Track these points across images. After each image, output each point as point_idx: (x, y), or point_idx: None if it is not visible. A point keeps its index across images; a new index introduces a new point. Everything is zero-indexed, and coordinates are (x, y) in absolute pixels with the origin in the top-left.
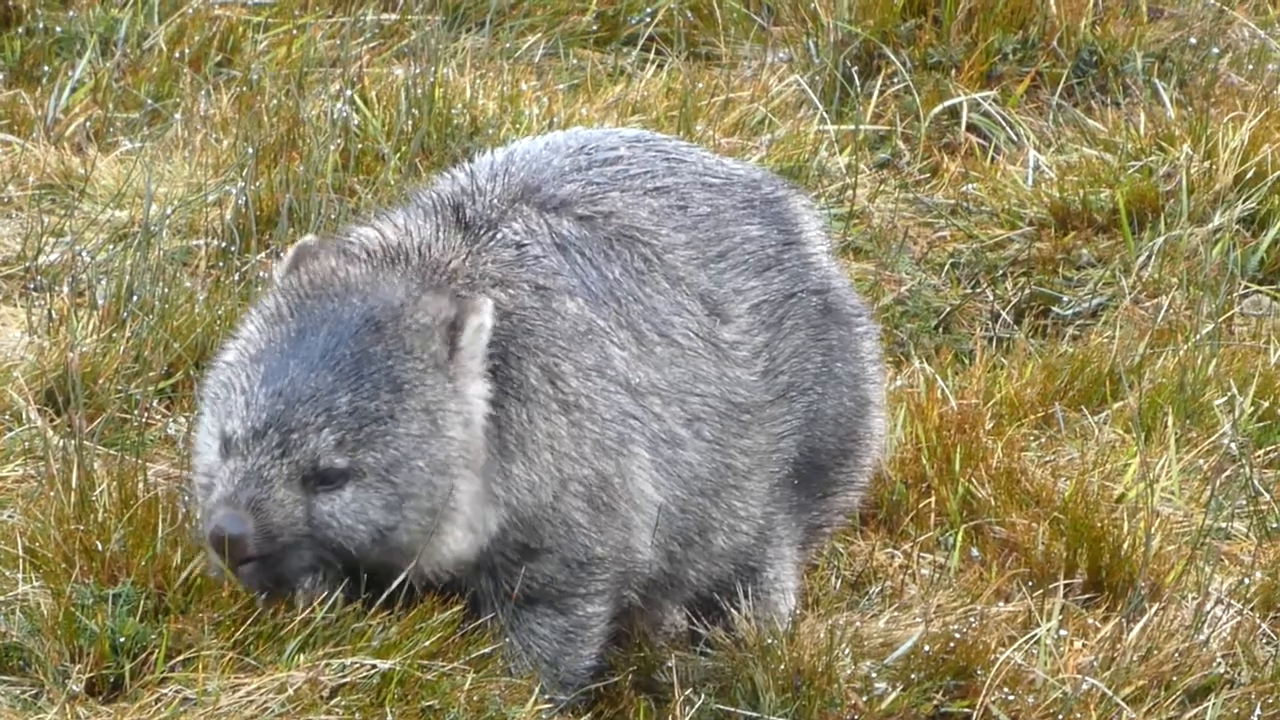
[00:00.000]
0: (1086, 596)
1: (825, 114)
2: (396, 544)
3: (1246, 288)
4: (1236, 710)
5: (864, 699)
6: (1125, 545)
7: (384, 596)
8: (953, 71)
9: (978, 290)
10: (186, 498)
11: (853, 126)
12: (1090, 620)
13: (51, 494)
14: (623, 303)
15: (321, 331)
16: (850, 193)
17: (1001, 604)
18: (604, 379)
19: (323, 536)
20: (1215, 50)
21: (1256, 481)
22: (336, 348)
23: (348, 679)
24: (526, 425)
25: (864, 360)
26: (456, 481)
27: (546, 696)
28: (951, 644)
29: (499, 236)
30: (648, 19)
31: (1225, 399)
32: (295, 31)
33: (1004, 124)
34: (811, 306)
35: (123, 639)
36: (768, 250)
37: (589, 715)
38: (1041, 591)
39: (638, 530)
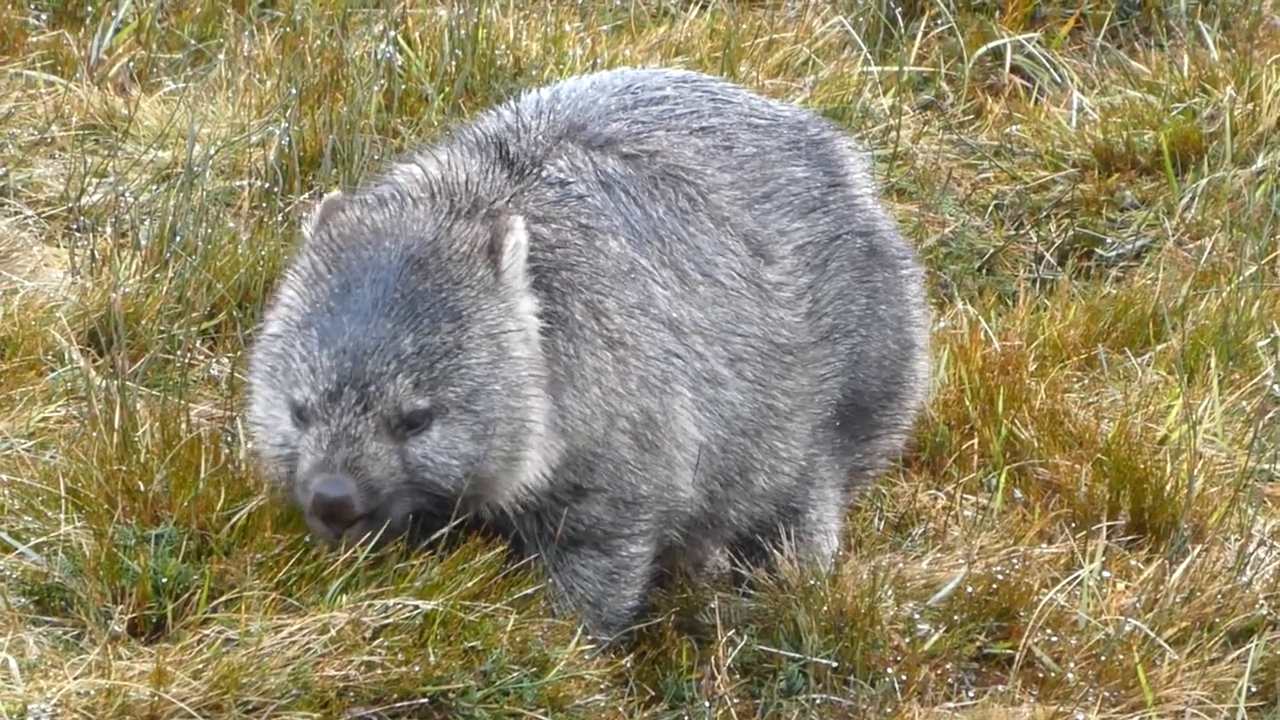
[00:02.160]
0: (1129, 538)
1: (869, 55)
2: (485, 474)
3: None
4: (1279, 652)
5: (907, 640)
6: (1168, 487)
7: (429, 540)
8: (996, 13)
9: (1021, 232)
10: (229, 438)
11: (896, 68)
12: (1133, 562)
13: (94, 435)
14: (666, 242)
15: (365, 281)
16: (894, 134)
17: (1044, 545)
18: (647, 317)
19: (420, 480)
20: None
21: None
22: (385, 294)
23: (390, 620)
24: (575, 359)
25: (908, 303)
26: (529, 401)
27: (589, 637)
28: (994, 586)
29: (543, 174)
30: None
31: (1268, 340)
32: None
33: (1048, 66)
34: (856, 249)
35: (165, 580)
36: (813, 192)
37: (631, 655)
38: (1084, 533)
39: (680, 469)
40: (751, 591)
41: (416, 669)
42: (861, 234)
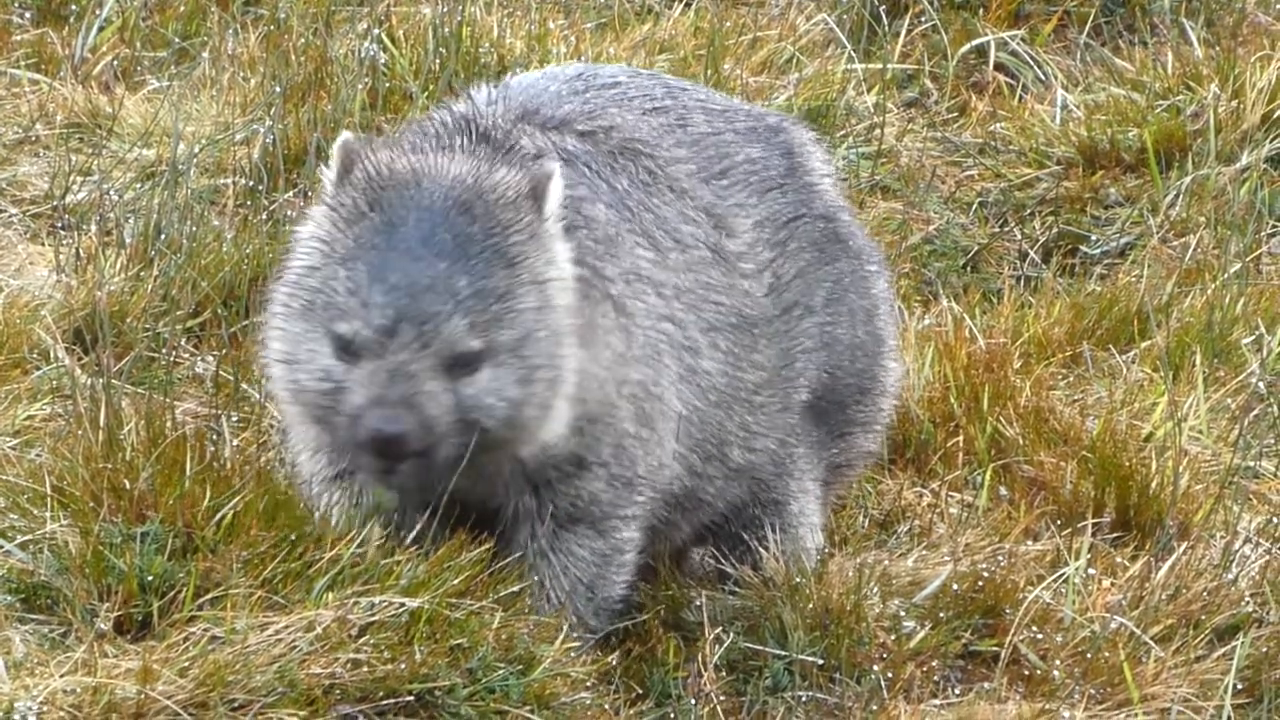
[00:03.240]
0: (1115, 535)
1: (853, 53)
2: (523, 421)
3: (1274, 227)
4: (1265, 649)
5: (892, 638)
6: (1153, 484)
7: (414, 532)
8: (980, 10)
9: (1005, 229)
10: (215, 436)
11: (880, 65)
12: (1118, 559)
13: (79, 433)
14: (635, 212)
15: (410, 221)
16: (878, 132)
17: (1030, 543)
18: (641, 282)
19: (469, 420)
20: None
21: None
22: (434, 234)
23: (376, 617)
24: (590, 318)
25: (876, 297)
26: (566, 350)
27: (576, 633)
28: (980, 583)
29: (518, 147)
30: None
31: (1253, 338)
32: None
33: (1031, 63)
34: (818, 231)
35: (151, 577)
36: (770, 173)
37: (617, 653)
38: (1070, 530)
39: (666, 442)
40: (737, 589)
41: (402, 666)
42: (822, 217)
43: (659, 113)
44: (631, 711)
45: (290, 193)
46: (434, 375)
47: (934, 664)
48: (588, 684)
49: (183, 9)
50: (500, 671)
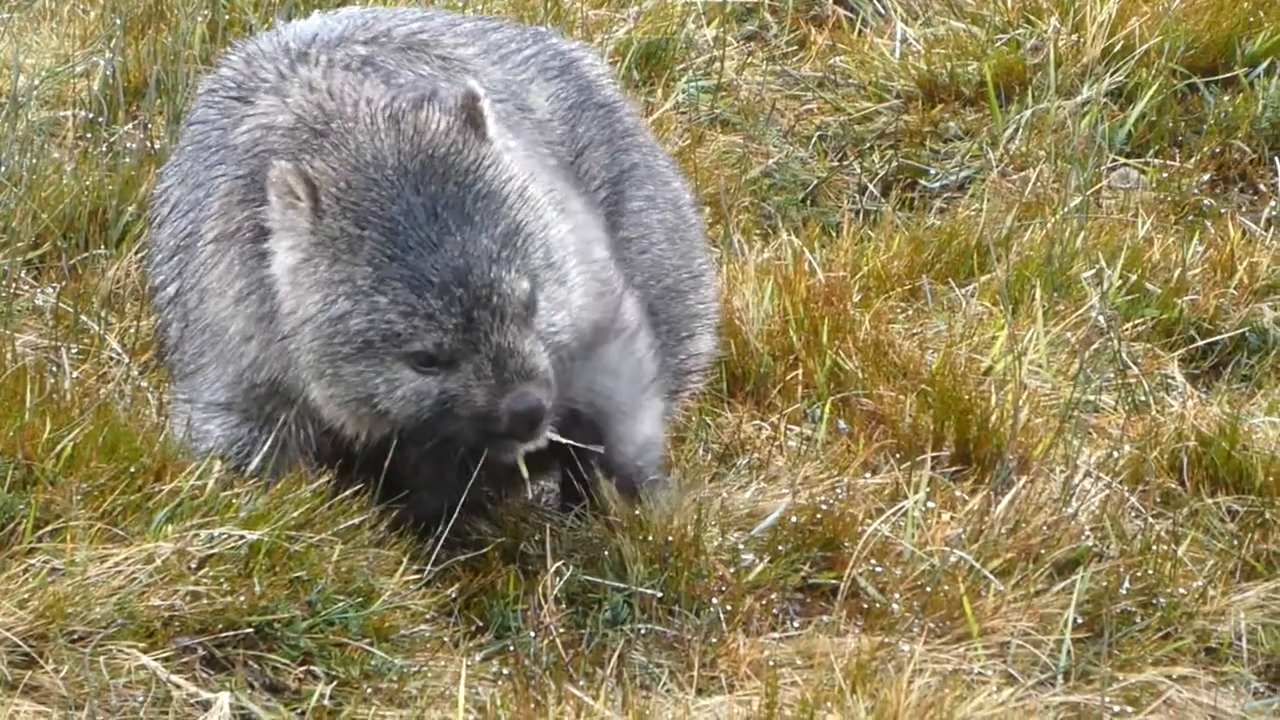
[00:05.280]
0: (954, 469)
1: None
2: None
3: (1114, 160)
4: (1105, 584)
5: (731, 570)
6: (993, 418)
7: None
8: None
9: (845, 163)
10: (55, 368)
11: None
12: (958, 493)
13: None
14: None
15: (399, 217)
16: (717, 65)
17: (869, 476)
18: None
19: (555, 347)
20: None
21: (1124, 354)
22: (430, 215)
23: (215, 550)
24: (552, 197)
25: (678, 190)
26: (563, 224)
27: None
28: (819, 516)
29: (336, 59)
30: None
31: (1093, 272)
32: None
33: None
34: (604, 120)
35: None
36: (550, 65)
37: (457, 586)
38: (909, 464)
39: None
40: (578, 522)
41: (242, 599)
42: (603, 107)
43: (426, 19)
44: (471, 644)
45: (130, 125)
46: (519, 334)
47: (773, 597)
48: (427, 617)
49: None
50: (340, 604)
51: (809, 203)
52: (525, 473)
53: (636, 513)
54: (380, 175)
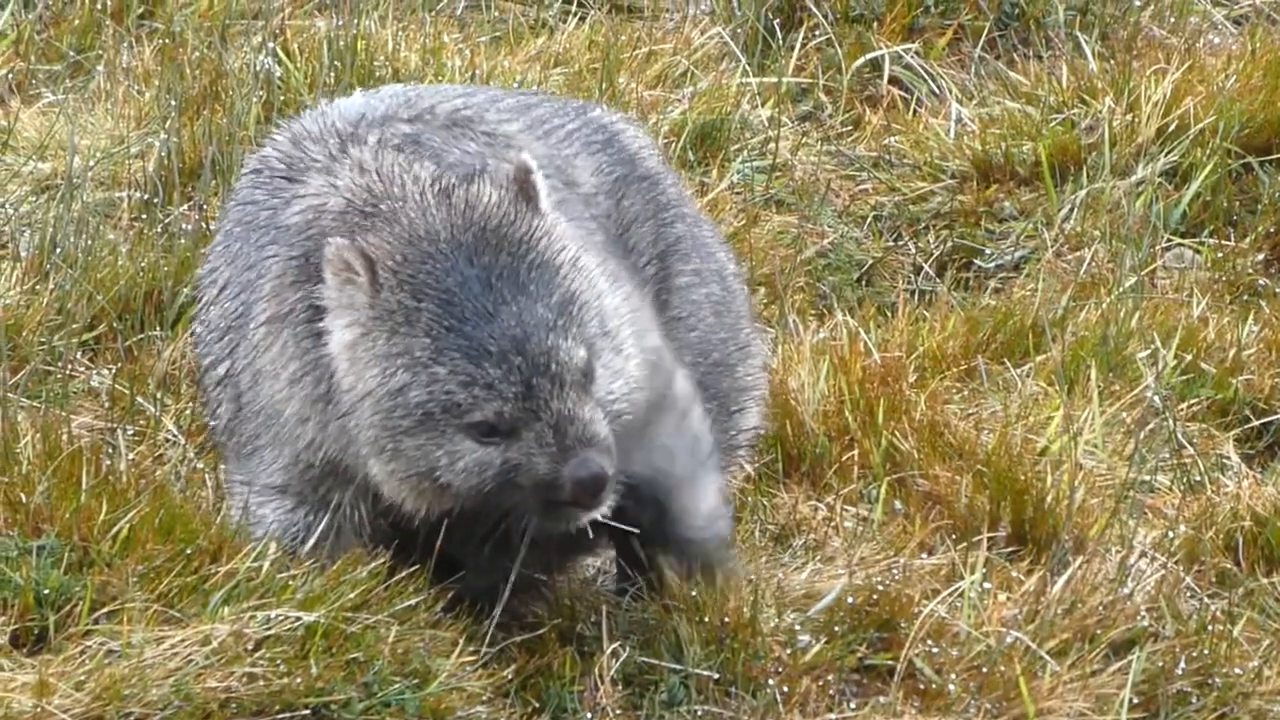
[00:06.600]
0: (1010, 550)
1: (747, 66)
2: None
3: (1169, 240)
4: (1161, 663)
5: (788, 651)
6: (1049, 498)
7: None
8: (875, 24)
9: (900, 243)
10: (110, 449)
11: (775, 79)
12: (1014, 573)
13: None
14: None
15: (454, 288)
16: (773, 145)
17: (925, 557)
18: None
19: (614, 414)
20: (1137, 3)
21: (1179, 434)
22: (485, 286)
23: (272, 631)
24: (604, 269)
25: (723, 261)
26: (618, 294)
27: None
28: (875, 596)
29: (385, 138)
30: None
31: (1148, 352)
32: None
33: (926, 77)
34: (649, 193)
35: (47, 591)
36: (594, 139)
37: (513, 667)
38: (965, 544)
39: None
40: (634, 604)
41: (298, 680)
42: (646, 180)
43: (470, 95)
44: None
45: (185, 206)
46: (579, 400)
47: (829, 678)
48: (484, 698)
49: (77, 22)
50: (396, 685)
51: (864, 283)
52: (590, 531)
53: (693, 593)
54: (434, 248)
